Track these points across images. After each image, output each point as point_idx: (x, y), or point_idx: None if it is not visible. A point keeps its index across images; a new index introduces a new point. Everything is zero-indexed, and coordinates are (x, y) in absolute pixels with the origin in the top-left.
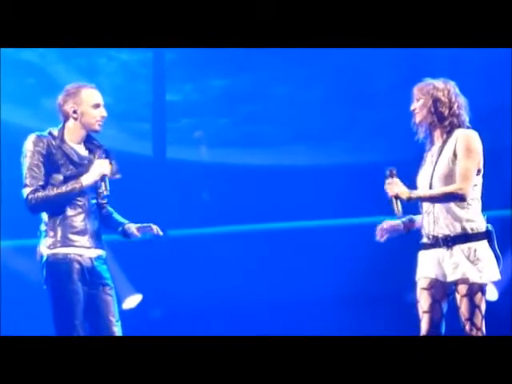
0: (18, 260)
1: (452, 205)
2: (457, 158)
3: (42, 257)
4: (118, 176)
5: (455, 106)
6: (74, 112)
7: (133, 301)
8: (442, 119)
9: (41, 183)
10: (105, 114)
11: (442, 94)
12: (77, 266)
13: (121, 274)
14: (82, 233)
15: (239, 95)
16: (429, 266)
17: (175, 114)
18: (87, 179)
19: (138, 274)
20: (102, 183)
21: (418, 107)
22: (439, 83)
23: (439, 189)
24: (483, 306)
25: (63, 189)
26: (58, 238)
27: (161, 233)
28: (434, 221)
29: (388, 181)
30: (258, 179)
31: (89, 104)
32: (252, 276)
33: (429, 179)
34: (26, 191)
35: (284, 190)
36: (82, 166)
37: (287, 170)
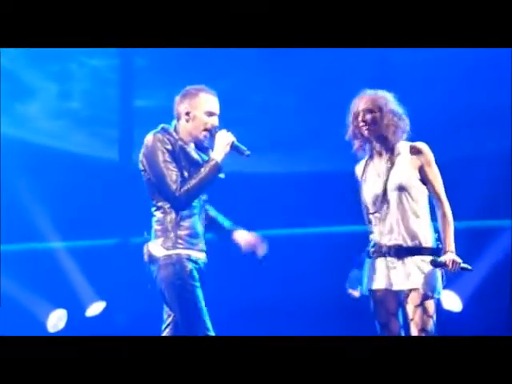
0: (17, 263)
1: (408, 216)
2: (425, 175)
3: (153, 256)
4: (247, 152)
5: (396, 116)
6: (187, 114)
7: (97, 308)
8: (386, 131)
9: (180, 178)
10: (216, 123)
11: (392, 105)
12: (196, 266)
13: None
14: (195, 235)
15: None
16: (378, 276)
17: (145, 119)
18: (219, 154)
19: (131, 279)
20: (239, 148)
21: (370, 120)
22: (384, 94)
23: (445, 225)
24: (435, 316)
25: (203, 173)
26: (174, 239)
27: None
28: (388, 230)
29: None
30: (235, 186)
31: (203, 109)
32: (246, 281)
33: (380, 191)
34: (172, 189)
35: (263, 197)
36: (199, 167)
37: (266, 178)
